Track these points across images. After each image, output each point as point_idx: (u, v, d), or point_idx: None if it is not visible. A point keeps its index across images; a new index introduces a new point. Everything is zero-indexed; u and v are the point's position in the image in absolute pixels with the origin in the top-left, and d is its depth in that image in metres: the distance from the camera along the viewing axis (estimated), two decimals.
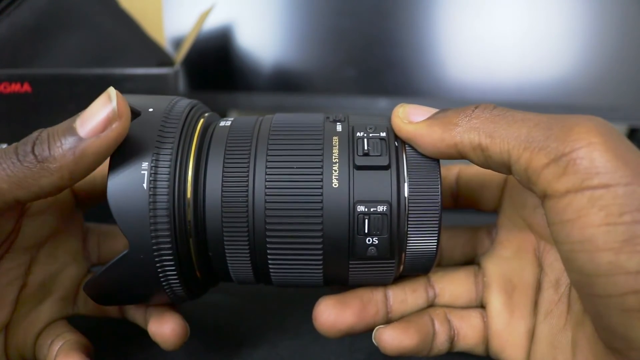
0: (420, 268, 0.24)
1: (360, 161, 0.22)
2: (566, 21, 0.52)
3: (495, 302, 0.25)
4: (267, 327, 0.30)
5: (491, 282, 0.25)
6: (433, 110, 0.23)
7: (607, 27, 0.51)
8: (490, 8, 0.52)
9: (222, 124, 0.24)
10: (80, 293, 0.27)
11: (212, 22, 0.55)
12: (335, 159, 0.22)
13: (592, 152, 0.17)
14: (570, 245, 0.18)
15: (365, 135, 0.22)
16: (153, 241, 0.21)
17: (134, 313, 0.26)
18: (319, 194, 0.21)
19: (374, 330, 0.24)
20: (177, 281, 0.22)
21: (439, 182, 0.22)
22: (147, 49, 0.46)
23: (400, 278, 0.26)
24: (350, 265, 0.23)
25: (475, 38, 0.53)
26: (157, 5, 0.56)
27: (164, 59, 0.45)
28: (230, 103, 0.57)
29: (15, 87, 0.37)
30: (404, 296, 0.25)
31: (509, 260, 0.25)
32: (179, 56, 0.43)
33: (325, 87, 0.56)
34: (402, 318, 0.25)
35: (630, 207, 0.16)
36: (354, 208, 0.21)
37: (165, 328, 0.24)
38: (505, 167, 0.20)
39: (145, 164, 0.21)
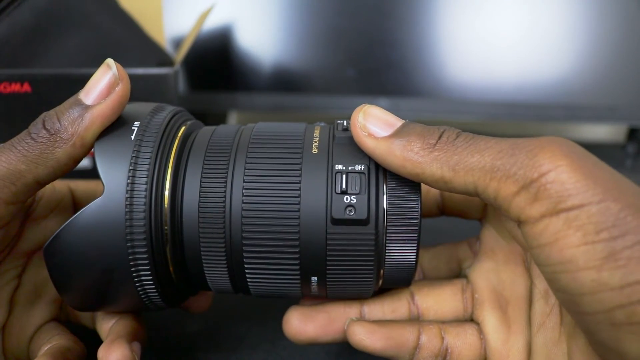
0: (400, 280, 0.23)
1: (340, 134, 0.22)
2: (566, 22, 0.52)
3: (491, 319, 0.24)
4: (267, 327, 0.30)
5: (483, 298, 0.25)
6: (394, 123, 0.21)
7: (607, 27, 0.51)
8: (490, 8, 0.52)
9: (203, 132, 0.24)
10: None
11: (212, 22, 0.55)
12: (316, 135, 0.23)
13: (561, 175, 0.17)
14: (552, 267, 0.18)
15: (344, 121, 0.23)
16: (127, 200, 0.20)
17: (101, 325, 0.26)
18: (299, 157, 0.22)
19: (347, 320, 0.24)
20: (150, 279, 0.22)
21: (418, 209, 0.21)
22: (147, 49, 0.46)
23: (382, 292, 0.25)
24: (328, 236, 0.21)
25: (475, 38, 0.53)
26: (157, 5, 0.56)
27: (163, 59, 0.45)
28: (230, 103, 0.58)
29: (15, 87, 0.37)
30: (382, 314, 0.25)
31: (498, 272, 0.25)
32: (179, 56, 0.43)
33: (325, 87, 0.56)
34: (381, 321, 0.24)
35: (606, 223, 0.16)
36: (332, 167, 0.22)
37: (110, 356, 0.22)
38: (469, 195, 0.20)
39: (136, 123, 0.22)
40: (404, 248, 0.22)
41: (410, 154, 0.20)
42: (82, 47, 0.41)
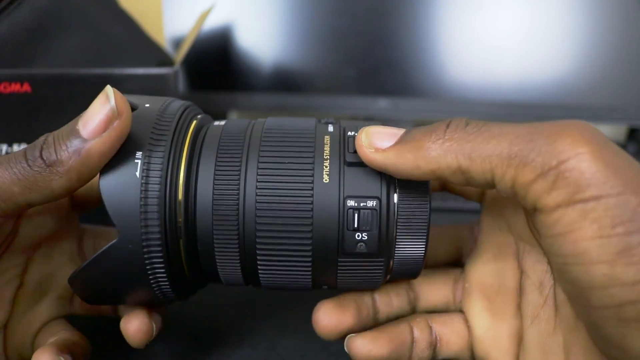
0: (408, 273, 0.24)
1: (351, 158, 0.22)
2: (566, 21, 0.52)
3: (476, 307, 0.25)
4: (267, 327, 0.30)
5: (472, 288, 0.25)
6: (398, 132, 0.21)
7: (607, 27, 0.51)
8: (490, 8, 0.52)
9: (214, 126, 0.24)
10: None
11: (212, 22, 0.55)
12: (326, 155, 0.22)
13: (581, 163, 0.17)
14: (564, 258, 0.17)
15: (356, 134, 0.23)
16: (143, 237, 0.21)
17: (124, 311, 0.26)
18: (310, 188, 0.21)
19: (346, 338, 0.24)
20: (165, 277, 0.22)
21: (428, 209, 0.22)
22: (147, 49, 0.46)
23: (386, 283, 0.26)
24: (339, 263, 0.22)
25: (475, 38, 0.53)
26: (157, 5, 0.56)
27: (163, 59, 0.45)
28: (230, 103, 0.58)
29: (15, 87, 0.37)
30: (389, 299, 0.26)
31: (489, 263, 0.25)
32: (179, 56, 0.43)
33: (325, 87, 0.56)
34: (377, 327, 0.25)
35: (623, 218, 0.16)
36: (344, 203, 0.21)
37: (129, 325, 0.24)
38: (488, 185, 0.19)
39: (138, 161, 0.21)
40: (412, 249, 0.22)
41: (421, 152, 0.20)
42: (82, 47, 0.41)
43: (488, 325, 0.24)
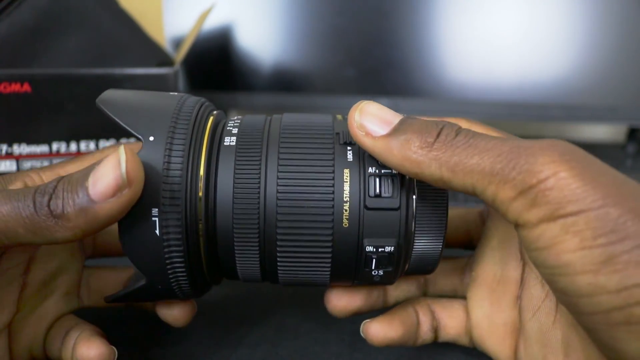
0: (422, 271, 0.25)
1: (371, 203, 0.22)
2: (566, 21, 0.52)
3: (477, 294, 0.26)
4: (267, 327, 0.30)
5: (477, 276, 0.26)
6: (393, 119, 0.21)
7: (607, 27, 0.51)
8: (490, 8, 0.52)
9: (230, 123, 0.24)
10: (83, 286, 0.28)
11: (212, 22, 0.55)
12: (346, 197, 0.22)
13: (560, 181, 0.17)
14: (550, 270, 0.18)
15: (376, 172, 0.22)
16: (172, 282, 0.22)
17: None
18: (329, 233, 0.22)
19: (362, 324, 0.25)
20: (191, 291, 0.23)
21: (445, 214, 0.22)
22: (147, 49, 0.46)
23: None
24: (356, 282, 0.24)
25: (475, 38, 0.53)
26: (157, 5, 0.56)
27: (163, 59, 0.45)
28: (230, 103, 0.58)
29: (15, 87, 0.37)
30: (398, 284, 0.27)
31: (494, 252, 0.26)
32: (179, 56, 0.43)
33: (325, 87, 0.56)
34: (387, 311, 0.26)
35: (604, 229, 0.16)
36: (363, 247, 0.22)
37: (175, 310, 0.26)
38: (469, 194, 0.20)
39: (155, 219, 0.21)
40: (428, 251, 0.23)
41: (408, 153, 0.20)
42: (82, 47, 0.41)
43: (485, 312, 0.25)
